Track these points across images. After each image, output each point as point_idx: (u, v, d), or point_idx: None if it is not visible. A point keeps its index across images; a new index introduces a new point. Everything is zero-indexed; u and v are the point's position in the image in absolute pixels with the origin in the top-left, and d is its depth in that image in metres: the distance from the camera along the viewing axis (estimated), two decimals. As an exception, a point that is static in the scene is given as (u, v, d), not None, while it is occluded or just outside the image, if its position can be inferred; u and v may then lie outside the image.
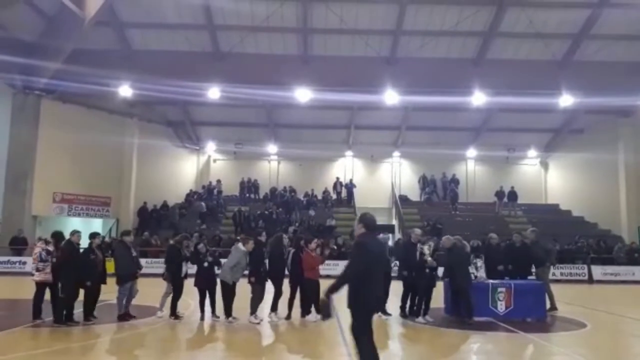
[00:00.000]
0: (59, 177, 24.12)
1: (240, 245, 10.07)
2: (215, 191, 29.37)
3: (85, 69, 19.96)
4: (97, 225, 26.58)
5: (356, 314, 5.14)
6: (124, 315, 9.87)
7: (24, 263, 21.82)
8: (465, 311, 10.00)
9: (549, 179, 31.33)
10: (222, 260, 10.45)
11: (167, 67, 22.10)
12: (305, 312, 10.26)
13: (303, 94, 23.11)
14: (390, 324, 10.09)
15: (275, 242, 10.58)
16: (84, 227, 26.24)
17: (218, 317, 9.91)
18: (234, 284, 9.80)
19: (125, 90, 23.22)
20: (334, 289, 5.06)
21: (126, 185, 26.86)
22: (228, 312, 9.76)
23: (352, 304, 5.12)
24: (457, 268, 10.30)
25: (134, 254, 10.18)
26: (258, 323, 9.69)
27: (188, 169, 30.87)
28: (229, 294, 9.77)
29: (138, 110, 27.10)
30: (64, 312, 9.29)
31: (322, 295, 5.20)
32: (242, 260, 9.86)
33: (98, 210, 25.89)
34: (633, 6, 20.52)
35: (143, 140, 27.19)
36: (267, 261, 10.31)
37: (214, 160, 31.32)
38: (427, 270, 10.37)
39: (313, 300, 10.03)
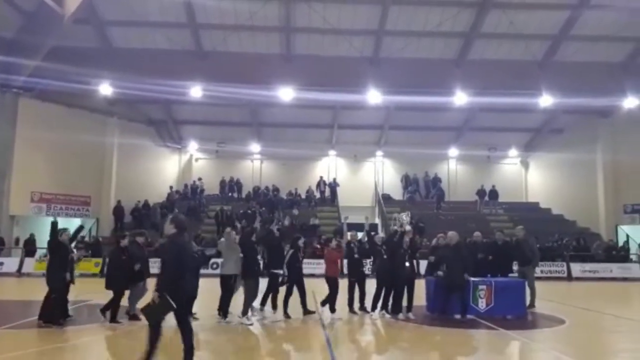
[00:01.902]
0: (37, 177, 23.73)
1: (228, 237, 10.04)
2: (198, 190, 29.18)
3: (64, 66, 19.66)
4: (76, 224, 26.18)
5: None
6: (134, 316, 9.72)
7: (1, 263, 21.46)
8: (461, 309, 10.14)
9: (529, 177, 31.79)
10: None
11: (148, 66, 21.92)
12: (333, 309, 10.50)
13: (286, 93, 23.09)
14: (371, 322, 10.14)
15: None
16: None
17: (197, 319, 9.82)
18: (236, 277, 9.72)
19: (105, 89, 22.94)
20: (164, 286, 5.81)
21: (106, 184, 26.58)
22: (226, 310, 9.68)
23: (165, 295, 5.79)
24: (457, 265, 10.30)
25: (146, 254, 10.21)
26: (251, 324, 9.49)
27: (170, 168, 30.60)
28: (232, 288, 9.69)
29: (119, 109, 26.76)
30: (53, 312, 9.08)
31: (154, 293, 5.73)
32: (237, 249, 9.81)
33: (78, 209, 25.52)
34: (612, 7, 20.88)
35: (124, 140, 26.89)
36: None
37: (196, 160, 31.12)
38: (407, 264, 10.48)
39: (334, 298, 10.44)
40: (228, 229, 10.40)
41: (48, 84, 21.11)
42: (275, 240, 10.57)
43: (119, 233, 10.70)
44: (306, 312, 10.34)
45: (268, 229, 10.93)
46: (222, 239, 10.31)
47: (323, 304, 10.62)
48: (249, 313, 9.81)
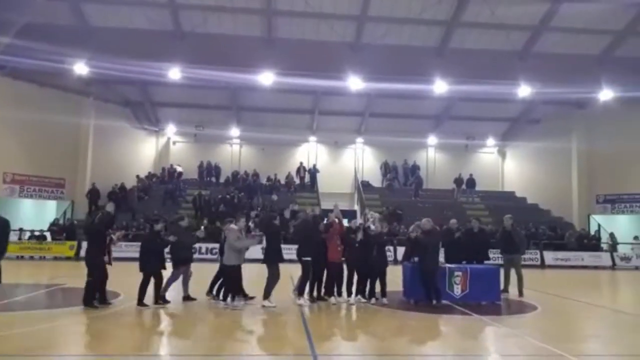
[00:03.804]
0: (9, 157, 23.17)
1: (232, 225, 9.96)
2: (175, 174, 28.87)
3: (38, 44, 19.04)
4: (51, 207, 25.77)
5: None
6: (188, 297, 10.08)
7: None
8: (434, 294, 10.27)
9: (506, 167, 32.27)
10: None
11: (126, 45, 21.42)
12: (332, 294, 10.59)
13: (267, 77, 22.86)
14: (347, 308, 10.21)
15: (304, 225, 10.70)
16: (37, 210, 25.49)
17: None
18: (239, 266, 9.75)
19: (80, 68, 22.35)
20: None
21: (82, 166, 26.09)
22: (234, 294, 9.75)
23: None
24: (431, 251, 10.43)
25: (193, 238, 10.50)
26: (274, 306, 9.61)
27: (147, 151, 30.18)
28: (237, 276, 9.70)
29: (94, 90, 26.19)
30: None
31: None
32: (233, 242, 9.79)
33: (52, 192, 25.04)
34: (590, 0, 21.11)
35: (100, 121, 26.36)
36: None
37: (174, 143, 30.73)
38: (375, 253, 10.61)
39: (339, 283, 10.59)
40: (227, 225, 10.28)
41: (21, 62, 20.45)
42: (310, 229, 10.56)
43: (153, 217, 10.73)
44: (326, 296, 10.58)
45: (305, 218, 10.87)
46: (231, 226, 10.13)
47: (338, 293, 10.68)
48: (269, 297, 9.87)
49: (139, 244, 9.98)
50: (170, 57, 22.11)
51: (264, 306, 9.62)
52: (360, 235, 10.72)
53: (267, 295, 9.78)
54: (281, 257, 10.03)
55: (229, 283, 9.80)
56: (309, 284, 10.42)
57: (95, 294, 9.26)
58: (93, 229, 9.52)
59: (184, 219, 10.55)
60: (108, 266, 9.48)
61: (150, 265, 9.49)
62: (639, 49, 23.72)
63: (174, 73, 22.61)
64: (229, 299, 9.73)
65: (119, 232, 10.80)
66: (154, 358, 6.52)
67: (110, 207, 9.75)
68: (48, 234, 22.68)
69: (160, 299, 9.67)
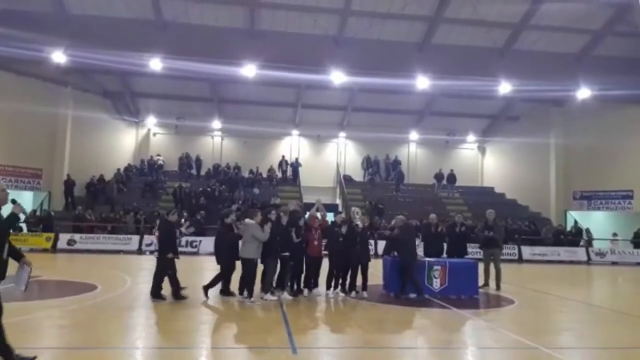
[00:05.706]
0: (-16, 147, 22.62)
1: (248, 220, 9.93)
2: (155, 166, 28.55)
3: (15, 31, 18.54)
4: (27, 198, 25.27)
5: None
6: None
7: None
8: (414, 288, 10.35)
9: (485, 163, 32.65)
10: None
11: (105, 34, 20.99)
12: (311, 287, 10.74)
13: (249, 70, 22.69)
14: (326, 301, 10.26)
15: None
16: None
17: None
18: (257, 260, 9.77)
19: (59, 57, 21.81)
20: None
21: (59, 157, 25.58)
22: (251, 291, 9.71)
23: None
24: (406, 247, 10.51)
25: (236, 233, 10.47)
26: (276, 299, 9.80)
27: (126, 142, 29.75)
28: (254, 271, 9.71)
29: (73, 79, 25.65)
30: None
31: None
32: (259, 233, 9.74)
33: (28, 182, 24.56)
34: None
35: (78, 111, 25.80)
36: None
37: (154, 134, 30.35)
38: (358, 247, 10.66)
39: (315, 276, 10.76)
40: (247, 220, 10.18)
41: (-3, 49, 19.97)
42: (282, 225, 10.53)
43: (225, 211, 10.63)
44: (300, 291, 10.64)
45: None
46: (247, 220, 10.09)
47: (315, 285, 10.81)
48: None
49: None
50: (150, 47, 21.74)
51: (264, 299, 9.72)
52: (344, 229, 10.74)
53: (267, 289, 9.87)
54: (278, 251, 9.98)
55: (247, 277, 9.78)
56: (277, 279, 10.40)
57: (160, 287, 9.52)
58: (163, 227, 9.90)
59: (232, 212, 10.63)
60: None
61: (226, 258, 9.79)
62: (616, 49, 24.12)
63: (155, 63, 22.24)
64: (245, 292, 9.77)
65: (185, 226, 11.13)
66: (119, 350, 6.45)
67: (173, 217, 10.03)
68: (24, 226, 22.25)
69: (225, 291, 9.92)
